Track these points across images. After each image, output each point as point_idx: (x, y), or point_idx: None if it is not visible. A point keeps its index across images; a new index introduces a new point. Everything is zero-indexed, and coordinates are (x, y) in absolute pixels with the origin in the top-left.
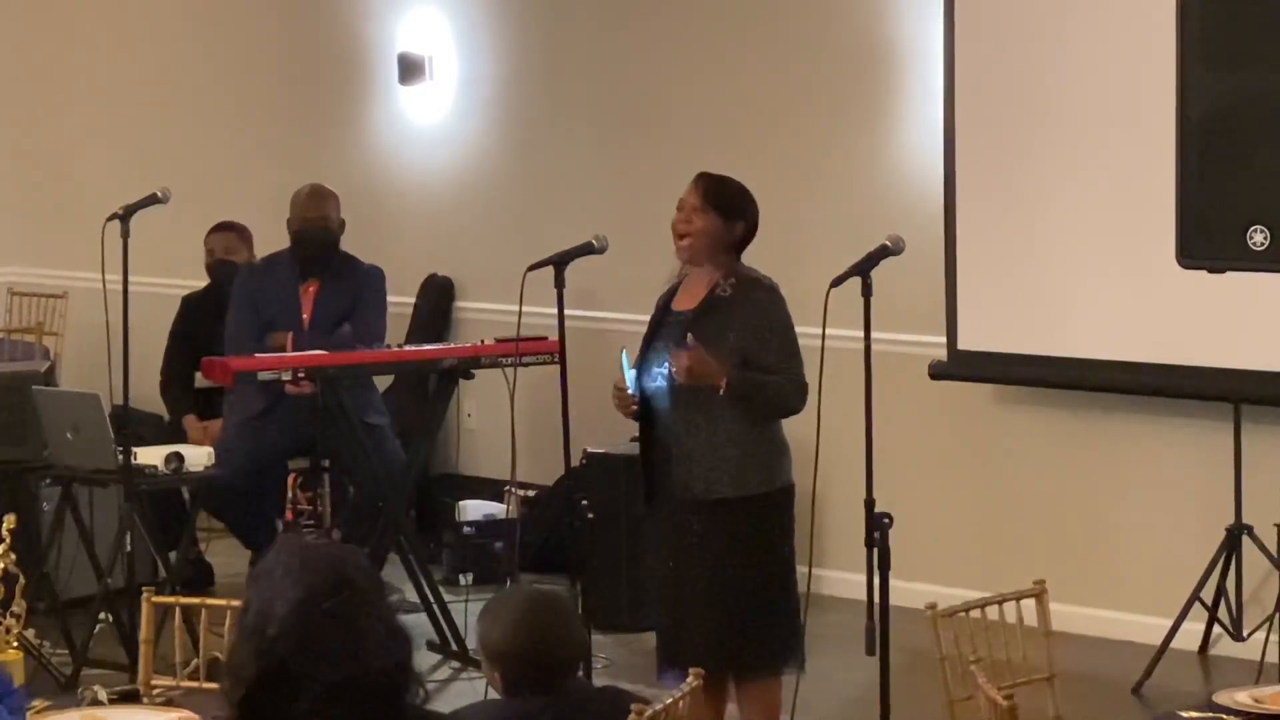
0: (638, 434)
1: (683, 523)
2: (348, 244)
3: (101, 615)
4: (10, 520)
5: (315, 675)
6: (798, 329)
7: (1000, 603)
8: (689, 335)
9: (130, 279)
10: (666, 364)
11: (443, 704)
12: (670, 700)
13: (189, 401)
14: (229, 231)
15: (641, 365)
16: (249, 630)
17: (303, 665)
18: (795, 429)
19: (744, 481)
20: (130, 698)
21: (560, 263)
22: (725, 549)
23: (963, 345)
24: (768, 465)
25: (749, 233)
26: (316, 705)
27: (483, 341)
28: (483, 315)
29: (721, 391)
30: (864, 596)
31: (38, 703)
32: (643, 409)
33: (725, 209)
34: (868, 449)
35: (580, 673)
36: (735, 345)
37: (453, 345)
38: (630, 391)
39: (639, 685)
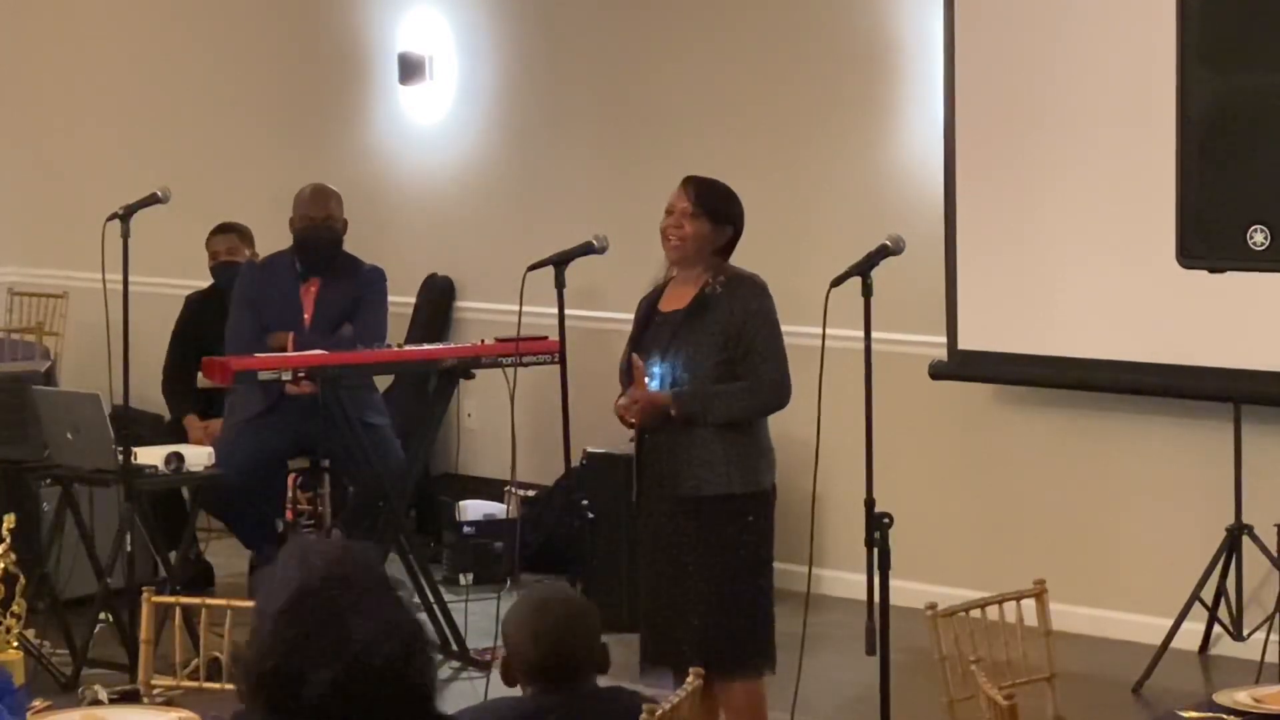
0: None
1: (668, 520)
2: (348, 244)
3: (101, 615)
4: (10, 520)
5: (310, 674)
6: (798, 329)
7: (1000, 603)
8: (633, 356)
9: (130, 279)
10: (658, 365)
11: (443, 704)
12: (677, 700)
13: (190, 401)
14: (231, 233)
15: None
16: (252, 633)
17: (298, 664)
18: (795, 429)
19: (729, 481)
20: (130, 698)
21: (560, 263)
22: (706, 547)
23: (963, 345)
24: (753, 467)
25: (737, 235)
26: (322, 700)
27: (483, 341)
28: (483, 315)
29: (673, 414)
30: (864, 596)
31: (38, 703)
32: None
33: (716, 213)
34: (868, 449)
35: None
36: (722, 342)
37: (453, 345)
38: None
39: (638, 685)
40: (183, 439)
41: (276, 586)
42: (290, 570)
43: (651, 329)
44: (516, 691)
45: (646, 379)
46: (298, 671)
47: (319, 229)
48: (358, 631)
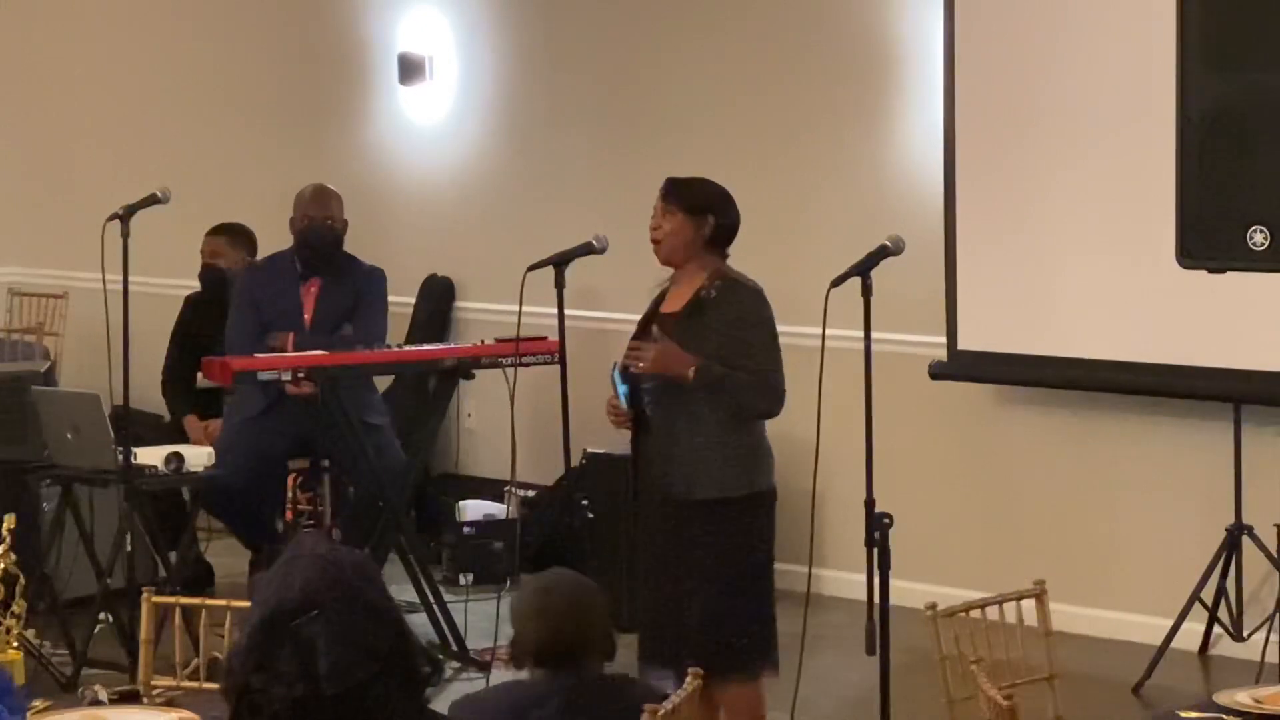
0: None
1: (665, 523)
2: (348, 244)
3: (101, 615)
4: (10, 520)
5: (273, 693)
6: (798, 329)
7: (1000, 603)
8: (654, 329)
9: (130, 279)
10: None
11: (443, 704)
12: (677, 700)
13: (190, 401)
14: (217, 235)
15: (630, 369)
16: (233, 643)
17: (263, 682)
18: (795, 429)
19: (725, 483)
20: (130, 698)
21: (560, 263)
22: (705, 549)
23: (963, 345)
24: (749, 468)
25: (721, 227)
26: (280, 715)
27: (483, 341)
28: (483, 315)
29: (690, 378)
30: (864, 596)
31: (38, 703)
32: (633, 411)
33: (689, 206)
34: (868, 449)
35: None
36: (717, 345)
37: (453, 345)
38: (624, 406)
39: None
40: (183, 439)
41: (256, 602)
42: (271, 588)
43: (651, 331)
44: (524, 677)
45: (639, 381)
46: (262, 688)
47: (320, 229)
48: (324, 657)
